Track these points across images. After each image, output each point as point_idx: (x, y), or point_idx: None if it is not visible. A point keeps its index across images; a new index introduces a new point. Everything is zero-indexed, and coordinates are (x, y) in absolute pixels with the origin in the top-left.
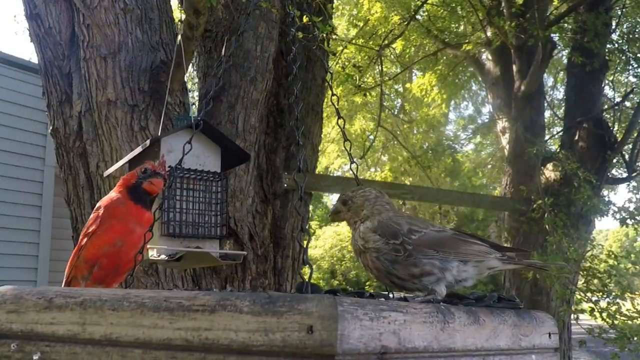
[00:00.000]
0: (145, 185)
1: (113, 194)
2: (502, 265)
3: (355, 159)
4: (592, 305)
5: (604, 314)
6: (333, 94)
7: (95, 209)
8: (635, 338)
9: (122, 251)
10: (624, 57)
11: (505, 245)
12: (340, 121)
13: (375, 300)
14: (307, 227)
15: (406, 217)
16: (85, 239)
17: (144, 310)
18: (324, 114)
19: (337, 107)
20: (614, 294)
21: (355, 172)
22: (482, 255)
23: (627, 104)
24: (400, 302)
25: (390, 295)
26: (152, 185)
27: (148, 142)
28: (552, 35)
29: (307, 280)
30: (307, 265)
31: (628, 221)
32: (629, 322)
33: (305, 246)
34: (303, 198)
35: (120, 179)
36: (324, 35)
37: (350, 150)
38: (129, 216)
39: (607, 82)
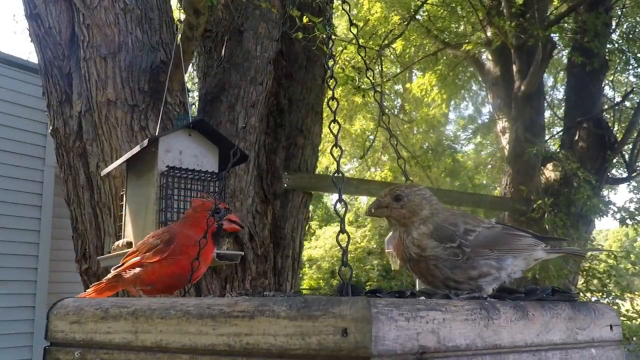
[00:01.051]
0: (226, 227)
1: (190, 231)
2: (546, 256)
3: (356, 159)
4: None
5: None
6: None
7: (165, 239)
8: (635, 338)
9: (178, 282)
10: (624, 57)
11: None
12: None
13: (413, 299)
14: (345, 229)
15: (459, 215)
16: (145, 262)
17: (189, 317)
18: (324, 114)
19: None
20: (613, 294)
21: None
22: (531, 248)
23: (627, 104)
24: (440, 300)
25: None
26: (231, 224)
27: (146, 142)
28: (552, 35)
29: (347, 281)
30: (347, 267)
31: (628, 221)
32: (628, 322)
33: (345, 248)
34: (341, 200)
35: (193, 216)
36: (323, 36)
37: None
38: (193, 254)
39: (607, 82)
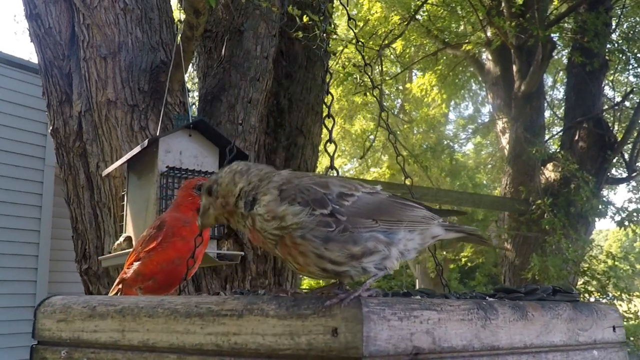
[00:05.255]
0: None
1: (177, 213)
2: (445, 234)
3: (356, 159)
4: None
5: None
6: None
7: (156, 225)
8: (632, 339)
9: (178, 269)
10: (624, 57)
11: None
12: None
13: (407, 298)
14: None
15: (324, 176)
16: (143, 254)
17: (177, 316)
18: (324, 114)
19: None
20: (611, 295)
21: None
22: (427, 221)
23: (627, 104)
24: (436, 299)
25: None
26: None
27: (146, 142)
28: (552, 35)
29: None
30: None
31: (626, 223)
32: (626, 323)
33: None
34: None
35: (178, 196)
36: (324, 35)
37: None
38: (191, 235)
39: (607, 82)
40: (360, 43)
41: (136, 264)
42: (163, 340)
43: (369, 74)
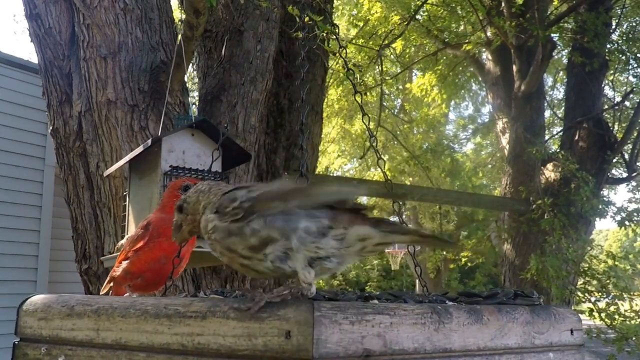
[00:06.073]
0: None
1: (162, 213)
2: (380, 236)
3: (356, 159)
4: (592, 305)
5: (603, 314)
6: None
7: (143, 225)
8: (634, 338)
9: (165, 267)
10: (624, 57)
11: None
12: (357, 96)
13: (360, 303)
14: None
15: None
16: (131, 253)
17: (147, 316)
18: (324, 114)
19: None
20: (612, 294)
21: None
22: (338, 194)
23: (627, 104)
24: (390, 304)
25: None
26: None
27: (149, 141)
28: (552, 35)
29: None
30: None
31: (627, 223)
32: (627, 322)
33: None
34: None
35: (164, 197)
36: (325, 34)
37: (369, 123)
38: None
39: (607, 82)
40: (335, 26)
41: (124, 263)
42: (134, 339)
43: (345, 58)
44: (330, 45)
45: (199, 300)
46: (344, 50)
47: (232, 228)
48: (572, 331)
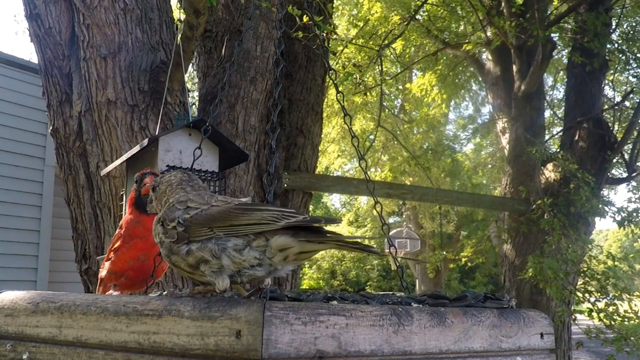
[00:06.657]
0: (143, 191)
1: (128, 215)
2: (299, 246)
3: (356, 159)
4: (591, 306)
5: (602, 315)
6: (338, 92)
7: (119, 227)
8: (632, 338)
9: (147, 264)
10: (624, 57)
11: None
12: (347, 119)
13: (314, 303)
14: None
15: (202, 195)
16: (111, 253)
17: (107, 314)
18: (324, 114)
19: (342, 103)
20: (612, 295)
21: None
22: (263, 224)
23: (627, 104)
24: (348, 305)
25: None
26: (146, 187)
27: (146, 141)
28: (552, 35)
29: None
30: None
31: (626, 223)
32: (627, 322)
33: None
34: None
35: (129, 197)
36: (324, 34)
37: (358, 146)
38: (148, 232)
39: (607, 82)
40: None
41: (107, 263)
42: (94, 337)
43: (320, 41)
44: (330, 45)
45: (157, 298)
46: (328, 41)
47: (173, 247)
48: (542, 335)
